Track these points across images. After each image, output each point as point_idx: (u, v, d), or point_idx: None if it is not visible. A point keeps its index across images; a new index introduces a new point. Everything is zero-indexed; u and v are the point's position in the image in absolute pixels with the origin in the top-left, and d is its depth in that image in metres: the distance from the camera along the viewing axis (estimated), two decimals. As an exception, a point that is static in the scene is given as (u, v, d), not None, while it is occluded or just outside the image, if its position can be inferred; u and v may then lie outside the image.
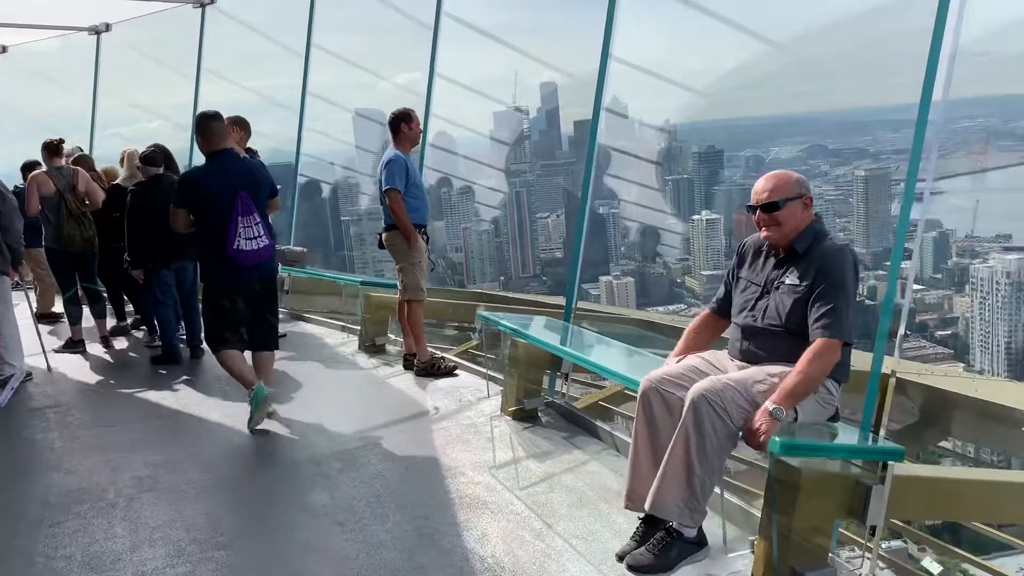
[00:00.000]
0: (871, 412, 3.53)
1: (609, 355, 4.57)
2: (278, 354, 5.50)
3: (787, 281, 3.09)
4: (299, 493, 4.10)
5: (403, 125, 6.01)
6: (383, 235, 6.10)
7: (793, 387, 2.84)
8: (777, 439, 2.73)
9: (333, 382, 6.46)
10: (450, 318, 8.67)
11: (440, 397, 5.71)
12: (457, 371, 6.19)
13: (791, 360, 2.97)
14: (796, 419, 2.92)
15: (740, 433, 2.88)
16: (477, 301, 9.07)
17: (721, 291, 3.43)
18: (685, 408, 2.89)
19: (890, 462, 2.93)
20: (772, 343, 3.11)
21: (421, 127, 6.19)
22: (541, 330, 5.18)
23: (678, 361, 3.28)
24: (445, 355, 6.53)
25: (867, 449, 3.07)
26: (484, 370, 5.95)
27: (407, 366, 6.35)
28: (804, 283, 3.02)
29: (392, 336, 7.33)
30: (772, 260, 3.21)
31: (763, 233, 3.16)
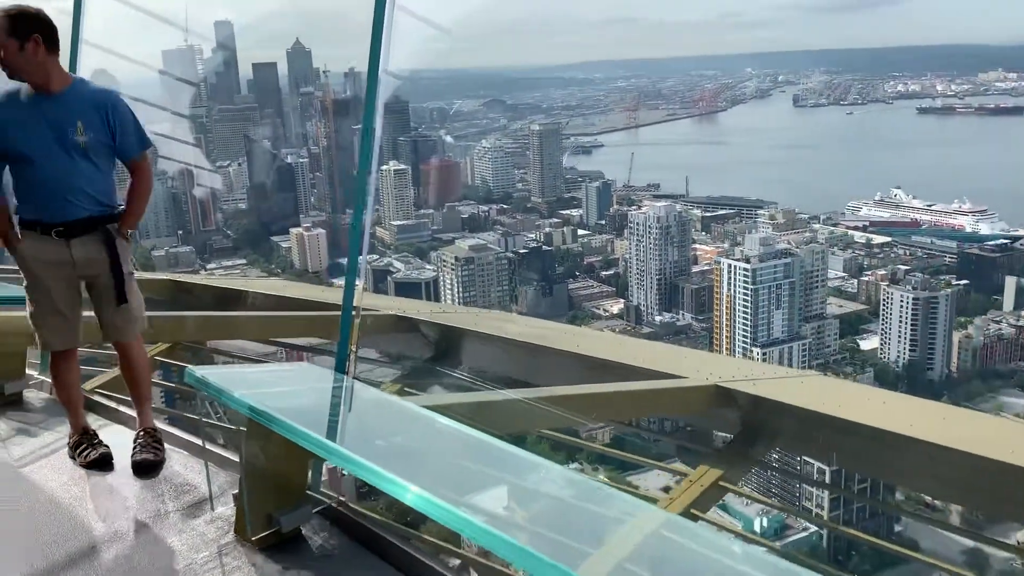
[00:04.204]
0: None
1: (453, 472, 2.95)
2: None
3: None
4: None
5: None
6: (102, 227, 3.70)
7: None
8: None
9: None
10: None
11: (122, 500, 3.53)
12: (108, 458, 3.84)
13: None
14: None
15: None
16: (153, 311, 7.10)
17: None
18: None
19: None
20: None
21: None
22: (302, 407, 3.31)
23: None
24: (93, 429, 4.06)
25: None
26: (200, 442, 3.78)
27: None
28: None
29: (39, 376, 4.78)
30: None
31: None
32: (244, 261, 73.56)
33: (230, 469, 3.58)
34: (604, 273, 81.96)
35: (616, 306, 77.46)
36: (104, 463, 3.77)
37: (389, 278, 69.54)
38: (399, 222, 78.58)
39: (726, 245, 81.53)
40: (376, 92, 3.41)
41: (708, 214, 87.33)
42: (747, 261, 72.58)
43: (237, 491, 3.24)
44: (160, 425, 3.99)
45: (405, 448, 3.12)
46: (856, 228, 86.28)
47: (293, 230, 78.35)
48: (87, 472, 3.71)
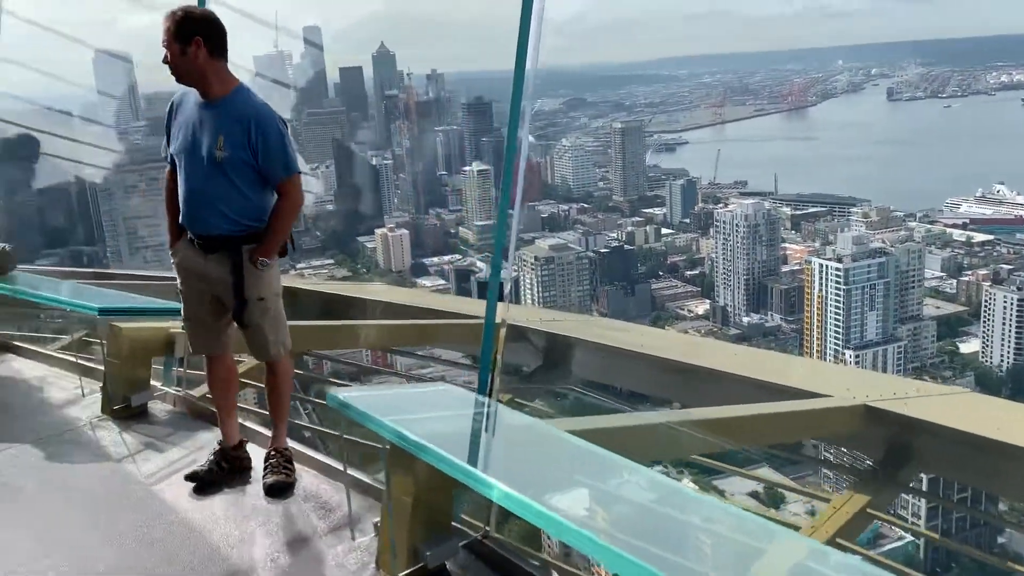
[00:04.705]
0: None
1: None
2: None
3: None
4: None
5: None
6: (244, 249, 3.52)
7: None
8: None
9: (49, 491, 3.70)
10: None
11: (256, 525, 3.34)
12: (196, 477, 3.70)
13: None
14: None
15: None
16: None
17: None
18: None
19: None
20: None
21: None
22: (448, 433, 3.03)
23: None
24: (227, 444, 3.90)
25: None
26: (340, 466, 3.62)
27: (227, 463, 3.75)
28: None
29: (162, 387, 4.68)
30: None
31: None
32: (332, 261, 75.31)
33: (364, 492, 3.41)
34: (689, 273, 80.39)
35: (701, 307, 75.88)
36: (192, 479, 3.65)
37: (472, 278, 69.99)
38: (481, 222, 79.03)
39: (817, 244, 79.02)
40: (521, 94, 3.19)
41: (798, 212, 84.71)
42: (839, 261, 70.19)
43: (378, 520, 3.07)
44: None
45: (555, 478, 2.86)
46: (955, 226, 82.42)
47: (378, 230, 79.75)
48: (223, 492, 3.60)
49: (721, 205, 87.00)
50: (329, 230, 76.76)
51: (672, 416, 3.75)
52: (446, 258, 76.46)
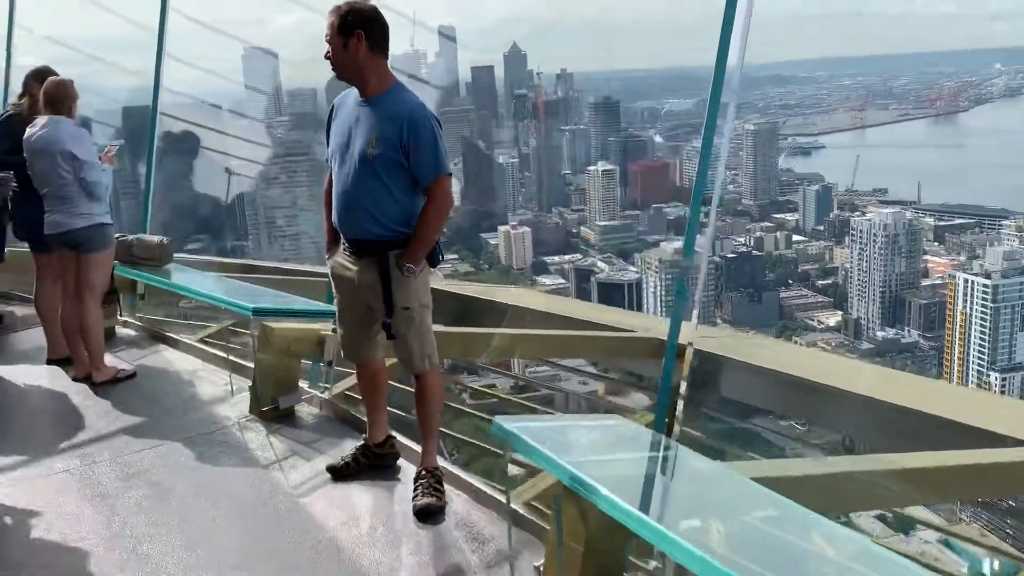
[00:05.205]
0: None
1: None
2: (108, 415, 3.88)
3: None
4: None
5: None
6: (387, 254, 3.39)
7: None
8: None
9: (199, 494, 3.69)
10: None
11: (407, 552, 3.19)
12: (332, 469, 3.79)
13: None
14: None
15: None
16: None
17: None
18: None
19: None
20: None
21: None
22: (622, 477, 2.72)
23: None
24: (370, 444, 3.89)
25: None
26: (503, 499, 3.45)
27: (366, 459, 3.78)
28: None
29: (309, 388, 4.68)
30: None
31: None
32: (456, 256, 76.71)
33: (516, 523, 3.19)
34: (820, 283, 76.98)
35: (832, 318, 72.53)
36: (331, 471, 3.73)
37: (592, 278, 69.64)
38: (604, 222, 78.54)
39: (962, 258, 74.09)
40: (720, 91, 2.89)
41: (942, 223, 79.55)
42: (987, 276, 65.36)
43: (540, 563, 2.83)
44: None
45: (740, 534, 2.51)
46: (1123, 243, 75.30)
47: (501, 228, 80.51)
48: (370, 509, 3.48)
49: (858, 213, 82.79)
50: (455, 226, 78.24)
51: (870, 463, 3.32)
52: (567, 257, 76.26)
